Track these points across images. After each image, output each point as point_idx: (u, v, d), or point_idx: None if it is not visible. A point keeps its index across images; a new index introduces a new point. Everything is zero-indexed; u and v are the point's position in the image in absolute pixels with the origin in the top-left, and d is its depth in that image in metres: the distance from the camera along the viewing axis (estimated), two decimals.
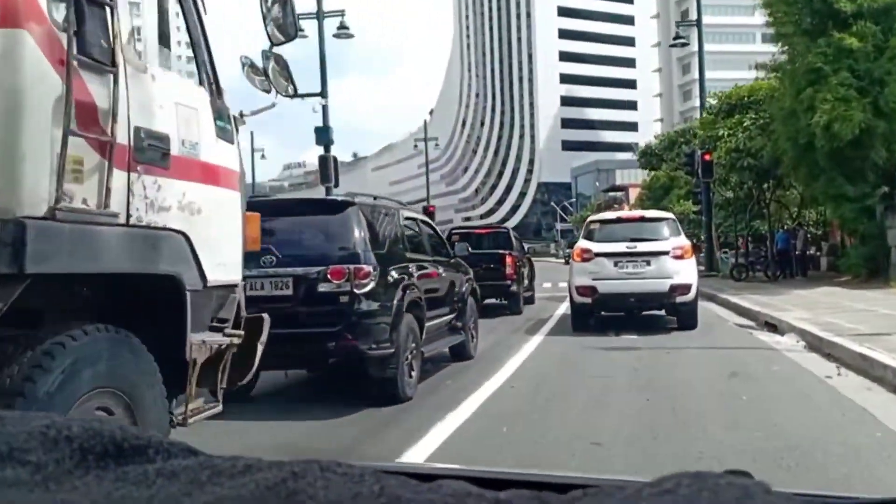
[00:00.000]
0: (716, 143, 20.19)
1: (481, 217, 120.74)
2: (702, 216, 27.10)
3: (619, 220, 11.47)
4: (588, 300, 10.78)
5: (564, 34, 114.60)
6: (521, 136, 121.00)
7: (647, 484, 0.54)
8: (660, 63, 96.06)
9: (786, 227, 25.78)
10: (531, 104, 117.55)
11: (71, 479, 0.56)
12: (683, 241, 10.97)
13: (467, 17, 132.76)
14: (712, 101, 22.82)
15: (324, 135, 24.58)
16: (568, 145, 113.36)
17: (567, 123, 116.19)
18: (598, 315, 11.24)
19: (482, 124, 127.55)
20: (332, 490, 0.54)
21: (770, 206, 23.49)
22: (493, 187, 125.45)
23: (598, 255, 10.74)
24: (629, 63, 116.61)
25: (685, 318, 10.85)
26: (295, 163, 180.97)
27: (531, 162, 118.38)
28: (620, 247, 10.68)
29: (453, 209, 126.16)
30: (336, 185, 25.41)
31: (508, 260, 13.84)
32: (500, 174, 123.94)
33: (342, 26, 24.65)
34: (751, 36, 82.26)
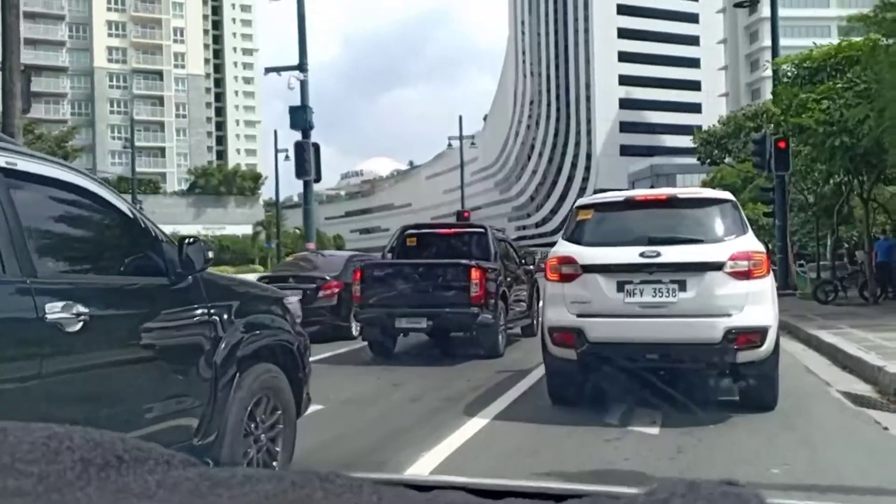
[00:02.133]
0: (800, 111, 14.75)
1: (536, 226, 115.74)
2: (773, 219, 21.53)
3: (629, 204, 6.31)
4: (571, 354, 5.82)
5: (624, 34, 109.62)
6: (578, 143, 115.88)
7: (642, 493, 0.57)
8: (726, 60, 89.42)
9: (886, 234, 20.09)
10: (588, 108, 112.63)
11: (73, 490, 0.57)
12: (751, 243, 5.87)
13: (523, 21, 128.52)
14: (785, 67, 17.32)
15: (300, 116, 20.03)
16: (627, 150, 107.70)
17: (626, 127, 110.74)
18: (595, 374, 6.22)
19: (537, 126, 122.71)
20: (331, 501, 0.56)
21: (868, 204, 17.88)
22: (548, 195, 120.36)
23: (587, 269, 5.79)
24: (693, 63, 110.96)
25: (755, 390, 5.82)
26: (352, 171, 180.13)
27: (587, 168, 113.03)
28: (630, 253, 5.72)
29: (506, 217, 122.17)
30: (317, 179, 20.87)
31: (473, 275, 8.92)
32: (555, 182, 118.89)
33: None
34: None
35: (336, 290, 11.57)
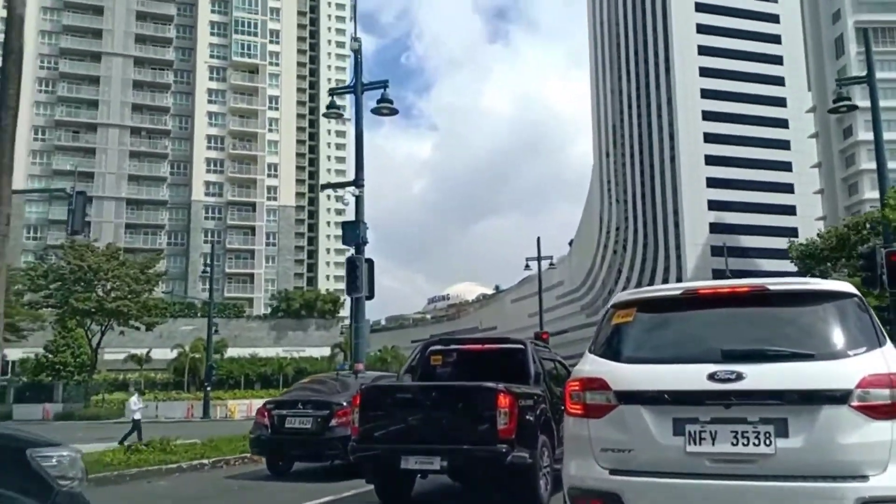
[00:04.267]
0: None
1: None
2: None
3: (691, 301, 4.17)
4: None
5: (712, 160, 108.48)
6: (667, 268, 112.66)
7: None
8: (821, 184, 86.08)
9: None
10: (677, 233, 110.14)
11: None
12: (893, 360, 3.70)
13: (608, 153, 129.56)
14: None
15: (353, 231, 18.71)
16: (719, 275, 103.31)
17: (717, 251, 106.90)
18: None
19: (624, 250, 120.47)
20: None
21: None
22: None
23: (625, 398, 3.74)
24: (787, 188, 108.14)
25: None
26: (439, 296, 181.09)
27: None
28: (693, 375, 3.67)
29: None
30: (370, 297, 19.28)
31: (501, 402, 6.86)
32: None
33: (383, 99, 19.23)
34: None
35: None
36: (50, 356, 51.14)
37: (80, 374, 48.77)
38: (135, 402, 20.68)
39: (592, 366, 4.01)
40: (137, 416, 19.87)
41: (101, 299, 44.38)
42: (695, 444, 3.58)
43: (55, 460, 2.65)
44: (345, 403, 9.93)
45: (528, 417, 7.22)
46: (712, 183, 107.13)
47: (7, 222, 10.06)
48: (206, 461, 11.96)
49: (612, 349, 4.10)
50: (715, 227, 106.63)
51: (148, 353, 56.83)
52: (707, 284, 4.25)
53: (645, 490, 3.58)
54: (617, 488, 3.62)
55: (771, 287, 4.07)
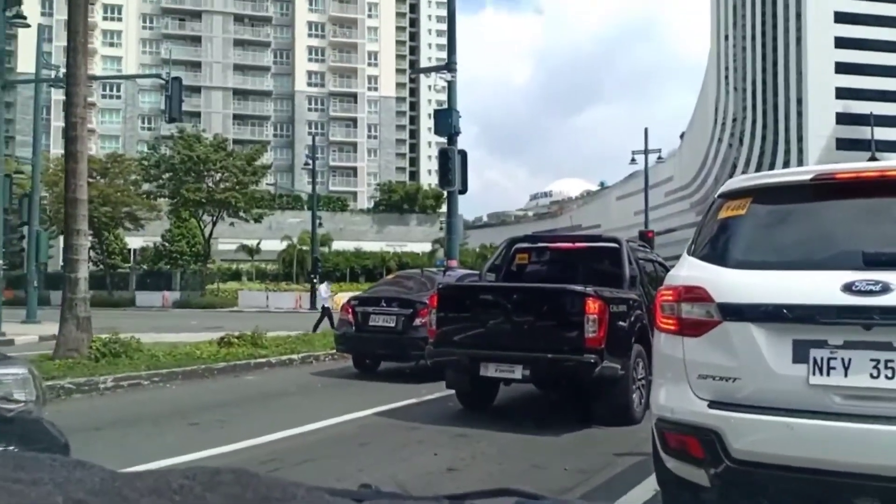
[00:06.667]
0: None
1: None
2: None
3: (821, 190, 3.18)
4: (699, 475, 3.01)
5: (842, 43, 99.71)
6: (787, 162, 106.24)
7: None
8: None
9: None
10: (799, 124, 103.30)
11: None
12: None
13: (726, 35, 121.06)
14: None
15: (445, 120, 17.97)
16: None
17: (843, 145, 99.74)
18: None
19: (741, 143, 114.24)
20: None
21: None
22: None
23: (731, 312, 2.98)
24: None
25: None
26: (542, 192, 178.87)
27: None
28: (822, 284, 2.87)
29: None
30: (463, 191, 18.67)
31: (590, 307, 6.18)
32: None
33: None
34: None
35: None
36: (167, 245, 53.83)
37: (195, 262, 51.14)
38: (324, 289, 21.83)
39: (691, 271, 3.24)
40: (327, 304, 20.41)
41: (211, 190, 45.69)
42: (821, 374, 2.82)
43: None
44: (427, 301, 9.52)
45: (620, 324, 6.53)
46: (842, 68, 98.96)
47: (84, 104, 10.01)
48: (295, 356, 11.98)
49: (716, 250, 3.30)
50: (842, 118, 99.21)
51: (258, 244, 58.91)
52: (846, 167, 3.33)
53: (752, 429, 2.88)
54: (717, 425, 2.93)
55: None
